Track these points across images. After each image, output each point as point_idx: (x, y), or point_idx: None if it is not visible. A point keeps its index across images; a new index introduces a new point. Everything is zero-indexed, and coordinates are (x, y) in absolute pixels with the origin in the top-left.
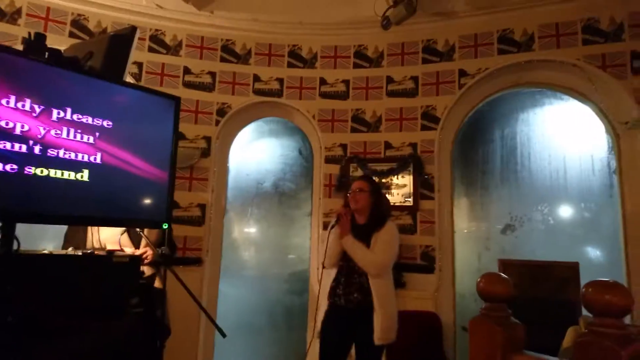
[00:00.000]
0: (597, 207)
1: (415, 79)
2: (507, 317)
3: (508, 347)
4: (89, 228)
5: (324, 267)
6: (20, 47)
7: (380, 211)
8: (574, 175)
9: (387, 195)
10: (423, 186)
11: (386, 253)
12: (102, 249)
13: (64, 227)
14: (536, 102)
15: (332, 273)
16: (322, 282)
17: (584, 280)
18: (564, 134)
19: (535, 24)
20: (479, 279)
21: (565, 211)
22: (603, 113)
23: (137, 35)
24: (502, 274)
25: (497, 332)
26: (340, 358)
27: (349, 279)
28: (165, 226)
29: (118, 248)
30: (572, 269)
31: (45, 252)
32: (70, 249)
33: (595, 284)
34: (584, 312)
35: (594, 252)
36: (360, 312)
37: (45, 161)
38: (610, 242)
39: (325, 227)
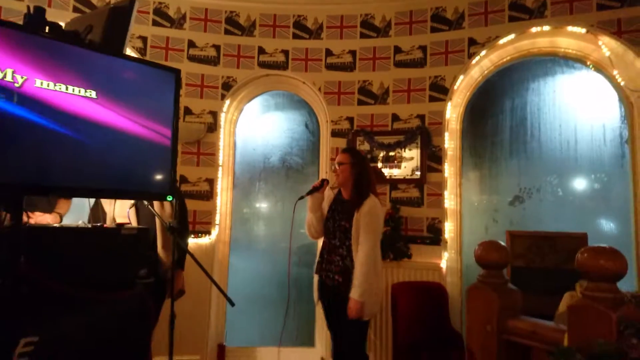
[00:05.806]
0: (607, 178)
1: (423, 48)
2: (503, 283)
3: (504, 312)
4: (106, 204)
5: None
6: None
7: (363, 185)
8: (584, 146)
9: (383, 169)
10: (431, 159)
11: (370, 242)
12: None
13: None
14: (548, 71)
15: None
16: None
17: None
18: (576, 104)
19: None
20: (476, 247)
21: (575, 182)
22: (617, 81)
23: (136, 6)
24: (499, 242)
25: (493, 298)
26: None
27: (331, 256)
28: (169, 198)
29: (127, 221)
30: (581, 239)
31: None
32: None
33: (590, 249)
34: None
35: (604, 224)
36: (342, 291)
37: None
38: (620, 213)
39: None
